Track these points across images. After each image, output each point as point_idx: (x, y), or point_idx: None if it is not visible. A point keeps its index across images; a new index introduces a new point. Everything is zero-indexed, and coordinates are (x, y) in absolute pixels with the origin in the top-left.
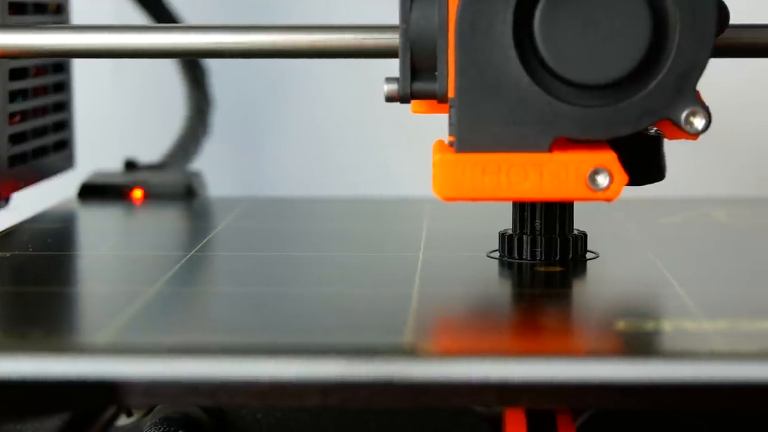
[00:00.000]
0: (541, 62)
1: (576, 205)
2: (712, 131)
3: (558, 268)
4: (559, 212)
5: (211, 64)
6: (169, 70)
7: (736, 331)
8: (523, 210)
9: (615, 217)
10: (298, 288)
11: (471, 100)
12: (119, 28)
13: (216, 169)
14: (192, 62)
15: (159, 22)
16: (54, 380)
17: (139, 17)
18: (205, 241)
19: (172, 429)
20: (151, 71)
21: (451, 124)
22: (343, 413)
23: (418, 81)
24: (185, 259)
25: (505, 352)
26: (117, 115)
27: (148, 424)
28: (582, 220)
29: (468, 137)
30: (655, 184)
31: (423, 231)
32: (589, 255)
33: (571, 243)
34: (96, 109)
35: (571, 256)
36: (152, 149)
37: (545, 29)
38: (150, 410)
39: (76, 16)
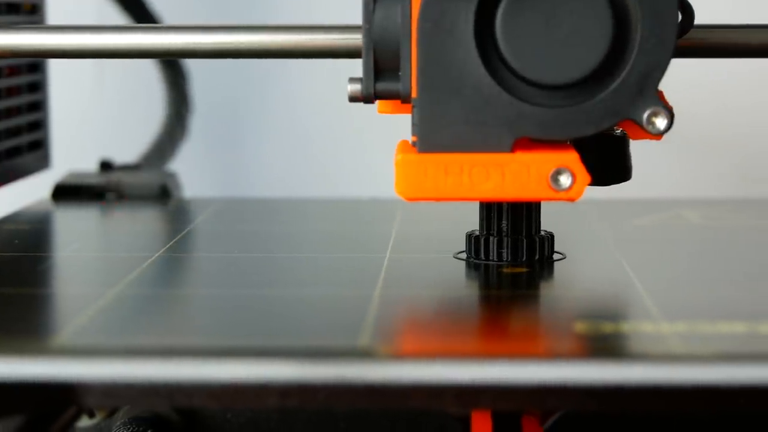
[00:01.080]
0: (503, 62)
1: (548, 206)
2: (693, 133)
3: (523, 269)
4: (526, 213)
5: (192, 66)
6: (149, 72)
7: (693, 333)
8: (489, 211)
9: (587, 218)
10: (259, 289)
11: (433, 100)
12: (95, 29)
13: (195, 170)
14: (171, 64)
15: (130, 20)
16: (12, 381)
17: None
18: (172, 242)
19: (141, 429)
20: (130, 72)
21: (413, 125)
22: (314, 413)
23: (381, 81)
24: (150, 260)
25: (462, 354)
26: (96, 116)
27: (118, 423)
28: (553, 220)
29: (430, 137)
30: (631, 185)
31: (393, 232)
32: (556, 256)
33: (537, 244)
34: (74, 109)
35: (537, 257)
36: (131, 150)
37: (507, 29)
38: (113, 411)
39: (54, 16)
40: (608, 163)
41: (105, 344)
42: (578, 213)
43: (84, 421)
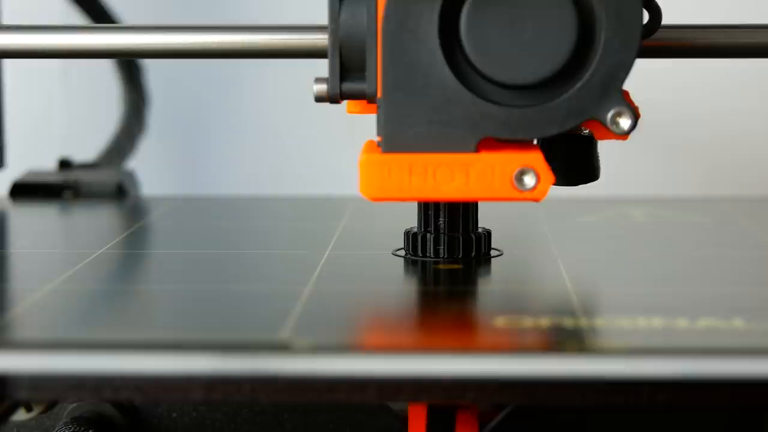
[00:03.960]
0: (468, 62)
1: (493, 203)
2: (657, 132)
3: (457, 266)
4: (463, 211)
5: (155, 62)
6: (106, 69)
7: (609, 328)
8: (427, 208)
9: (533, 215)
10: (188, 284)
11: (397, 100)
12: (52, 28)
13: (157, 169)
14: (128, 60)
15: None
16: None
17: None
18: (116, 240)
19: (83, 428)
20: (90, 70)
21: (378, 125)
22: (259, 412)
23: (347, 81)
24: (91, 257)
25: (381, 348)
26: (56, 114)
27: (60, 423)
28: (499, 218)
29: (394, 137)
30: (590, 184)
31: (338, 229)
32: (493, 252)
33: (474, 241)
34: (32, 108)
35: (474, 253)
36: (93, 147)
37: (471, 29)
38: (51, 405)
39: (7, 15)
40: (576, 164)
41: (32, 338)
42: (525, 210)
43: (21, 415)
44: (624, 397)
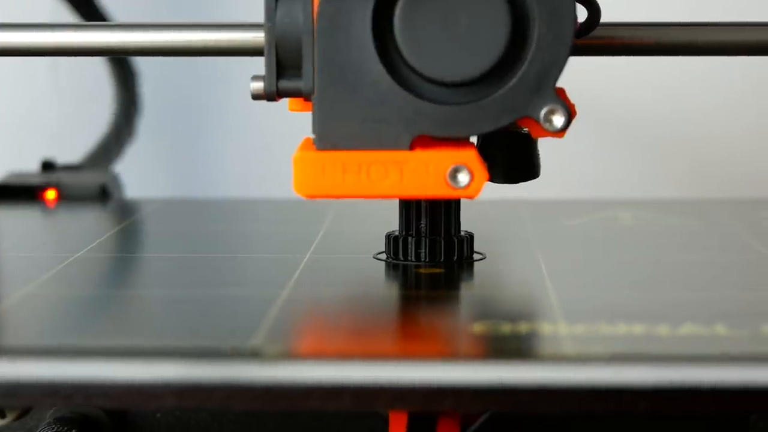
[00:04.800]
0: (402, 59)
1: (478, 206)
2: (645, 133)
3: (439, 270)
4: (445, 214)
5: (146, 65)
6: (97, 70)
7: (590, 335)
8: (408, 211)
9: (518, 218)
10: (162, 289)
11: (331, 97)
12: (39, 26)
13: (146, 170)
14: (121, 63)
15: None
16: None
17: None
18: (95, 243)
19: (66, 428)
20: (79, 71)
21: (313, 122)
22: (243, 413)
23: (284, 79)
24: (69, 260)
25: (355, 354)
26: (45, 115)
27: (43, 423)
28: (483, 220)
29: (328, 135)
30: (569, 185)
31: (320, 232)
32: (476, 256)
33: (456, 244)
34: (20, 108)
35: (456, 257)
36: (79, 150)
37: (405, 26)
38: (25, 412)
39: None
40: (516, 161)
41: (3, 344)
42: (510, 213)
43: None
44: (604, 404)
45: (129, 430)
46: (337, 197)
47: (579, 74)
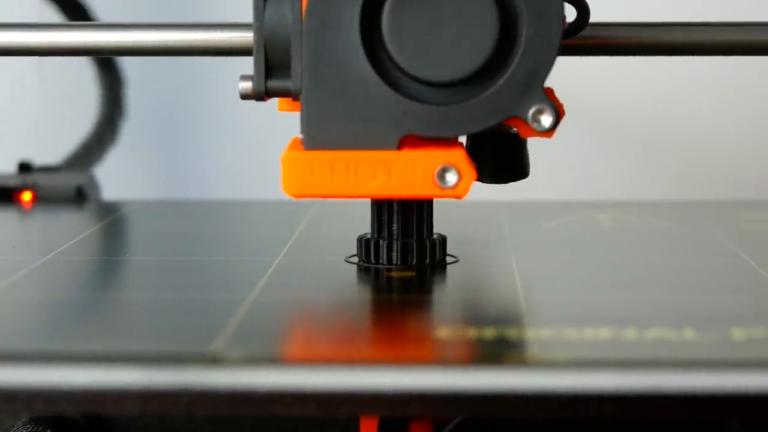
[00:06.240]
0: (390, 59)
1: (455, 207)
2: (630, 135)
3: (410, 273)
4: (417, 216)
5: (131, 66)
6: (82, 71)
7: (555, 339)
8: (380, 214)
9: (495, 220)
10: (131, 293)
11: (319, 97)
12: (24, 26)
13: (129, 172)
14: (108, 67)
15: None
16: None
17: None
18: (65, 246)
19: (40, 428)
20: (64, 72)
21: (301, 122)
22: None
23: (272, 79)
24: (36, 264)
25: (317, 359)
26: (33, 117)
27: (18, 423)
28: (460, 222)
29: (316, 134)
30: (549, 187)
31: (294, 234)
32: (449, 259)
33: (428, 247)
34: (1, 108)
35: (428, 260)
36: (60, 152)
37: (393, 26)
38: None
39: None
40: (505, 161)
41: None
42: (487, 215)
43: None
44: (570, 409)
45: (105, 430)
46: (325, 197)
47: (566, 75)
